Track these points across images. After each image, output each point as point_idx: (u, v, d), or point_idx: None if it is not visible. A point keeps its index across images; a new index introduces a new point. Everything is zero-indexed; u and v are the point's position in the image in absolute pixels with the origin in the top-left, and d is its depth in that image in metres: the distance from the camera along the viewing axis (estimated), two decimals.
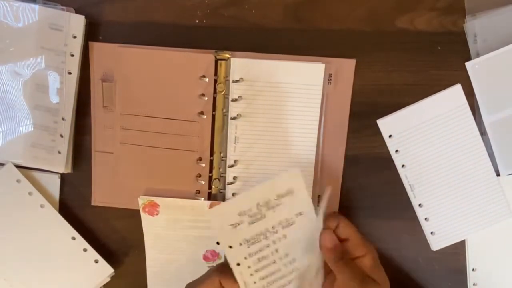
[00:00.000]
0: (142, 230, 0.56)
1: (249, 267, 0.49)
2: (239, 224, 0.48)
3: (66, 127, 0.55)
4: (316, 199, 0.55)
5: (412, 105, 0.53)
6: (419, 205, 0.55)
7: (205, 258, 0.58)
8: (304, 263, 0.48)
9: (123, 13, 0.55)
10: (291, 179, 0.48)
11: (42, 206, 0.55)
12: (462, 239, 0.55)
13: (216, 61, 0.53)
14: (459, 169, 0.54)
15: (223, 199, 0.55)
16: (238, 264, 0.49)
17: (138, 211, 0.56)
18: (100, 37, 0.55)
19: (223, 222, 0.48)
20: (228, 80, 0.53)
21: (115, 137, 0.55)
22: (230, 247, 0.49)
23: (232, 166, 0.54)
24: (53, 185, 0.56)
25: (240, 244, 0.48)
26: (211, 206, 0.55)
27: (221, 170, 0.55)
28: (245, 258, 0.49)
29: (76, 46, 0.54)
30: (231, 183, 0.55)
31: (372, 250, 0.48)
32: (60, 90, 0.54)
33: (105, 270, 0.56)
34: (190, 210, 0.55)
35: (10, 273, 0.56)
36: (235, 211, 0.48)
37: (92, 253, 0.56)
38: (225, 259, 0.51)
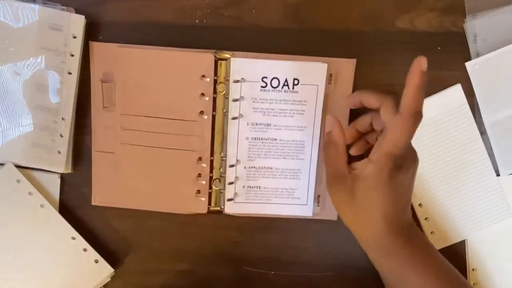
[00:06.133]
0: (142, 230, 0.57)
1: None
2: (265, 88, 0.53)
3: (66, 127, 0.55)
4: (317, 199, 0.55)
5: None
6: (419, 205, 0.55)
7: None
8: None
9: (123, 13, 0.55)
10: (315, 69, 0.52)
11: (42, 206, 0.55)
12: (462, 239, 0.55)
13: (216, 61, 0.53)
14: (459, 169, 0.54)
15: (224, 199, 0.55)
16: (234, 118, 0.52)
17: (138, 211, 0.56)
18: (100, 37, 0.55)
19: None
20: (228, 80, 0.53)
21: (115, 137, 0.55)
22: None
23: (232, 166, 0.54)
24: (53, 185, 0.56)
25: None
26: (208, 210, 0.55)
27: (221, 170, 0.55)
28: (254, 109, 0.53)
29: (76, 46, 0.54)
30: (232, 183, 0.55)
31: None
32: (60, 90, 0.54)
33: (105, 270, 0.56)
34: None
35: (10, 273, 0.56)
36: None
37: (92, 253, 0.56)
38: None
